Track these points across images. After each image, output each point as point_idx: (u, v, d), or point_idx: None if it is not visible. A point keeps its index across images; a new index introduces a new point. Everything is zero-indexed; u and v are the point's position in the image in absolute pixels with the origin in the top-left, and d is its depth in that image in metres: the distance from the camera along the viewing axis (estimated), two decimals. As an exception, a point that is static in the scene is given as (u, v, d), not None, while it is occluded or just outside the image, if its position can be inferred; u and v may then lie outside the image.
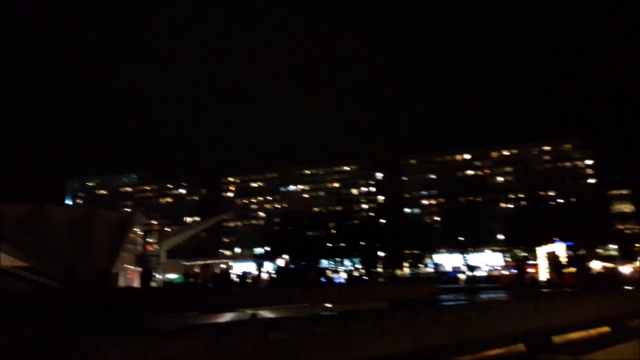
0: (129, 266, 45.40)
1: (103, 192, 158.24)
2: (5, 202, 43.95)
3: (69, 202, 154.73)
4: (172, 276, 56.12)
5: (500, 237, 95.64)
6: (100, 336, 8.71)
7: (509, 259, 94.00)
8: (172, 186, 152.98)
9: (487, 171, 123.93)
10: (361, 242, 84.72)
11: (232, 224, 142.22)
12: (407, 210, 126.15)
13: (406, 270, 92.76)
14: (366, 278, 65.14)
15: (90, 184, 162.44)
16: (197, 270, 45.27)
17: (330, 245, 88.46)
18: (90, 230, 41.66)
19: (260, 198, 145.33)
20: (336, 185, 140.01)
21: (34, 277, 38.66)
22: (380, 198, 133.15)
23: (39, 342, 8.87)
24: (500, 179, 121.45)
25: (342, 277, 66.25)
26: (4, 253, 39.27)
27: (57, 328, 12.16)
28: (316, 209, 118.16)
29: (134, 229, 48.25)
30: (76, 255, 36.62)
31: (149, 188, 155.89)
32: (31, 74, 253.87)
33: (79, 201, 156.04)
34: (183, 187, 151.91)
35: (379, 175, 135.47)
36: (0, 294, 23.85)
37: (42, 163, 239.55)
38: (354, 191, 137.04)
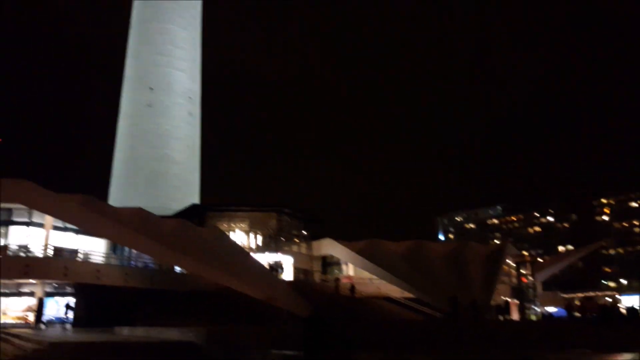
0: (505, 298, 45.60)
1: (471, 225, 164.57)
2: (392, 240, 50.88)
3: (441, 237, 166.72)
4: (550, 309, 53.43)
5: None
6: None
7: None
8: (538, 214, 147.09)
9: None
10: None
11: (612, 252, 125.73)
12: None
13: None
14: None
15: (458, 218, 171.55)
16: (577, 302, 41.90)
17: None
18: (465, 263, 44.14)
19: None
20: None
21: (419, 306, 43.07)
22: None
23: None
24: None
25: None
26: (394, 285, 45.24)
27: (445, 355, 13.31)
28: None
29: (507, 261, 48.53)
30: (455, 286, 39.15)
31: (514, 218, 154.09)
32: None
33: (450, 236, 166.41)
34: (550, 215, 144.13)
35: None
36: (393, 322, 27.57)
37: (413, 202, 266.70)
38: None
